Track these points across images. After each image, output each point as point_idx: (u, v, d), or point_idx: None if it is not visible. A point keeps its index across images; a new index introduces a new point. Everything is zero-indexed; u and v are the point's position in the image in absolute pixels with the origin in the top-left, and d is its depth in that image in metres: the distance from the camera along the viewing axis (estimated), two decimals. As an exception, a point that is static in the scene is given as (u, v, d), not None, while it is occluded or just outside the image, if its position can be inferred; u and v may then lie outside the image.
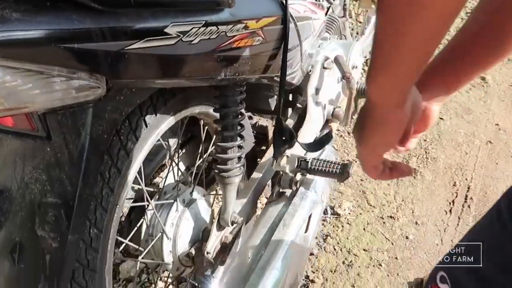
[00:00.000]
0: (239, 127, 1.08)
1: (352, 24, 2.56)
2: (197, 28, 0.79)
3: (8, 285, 0.79)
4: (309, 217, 1.21)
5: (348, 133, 2.07)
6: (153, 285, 1.42)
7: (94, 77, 0.70)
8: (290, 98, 1.54)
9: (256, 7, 0.94)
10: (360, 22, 2.56)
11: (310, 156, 1.25)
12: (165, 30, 0.74)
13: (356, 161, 1.95)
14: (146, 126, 0.94)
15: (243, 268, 1.04)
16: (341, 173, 1.19)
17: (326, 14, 1.76)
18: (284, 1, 1.00)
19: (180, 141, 1.18)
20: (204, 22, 0.80)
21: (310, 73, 1.45)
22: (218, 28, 0.83)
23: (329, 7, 1.75)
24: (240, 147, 1.09)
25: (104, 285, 0.93)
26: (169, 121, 1.01)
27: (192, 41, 0.79)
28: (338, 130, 2.09)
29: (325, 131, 1.53)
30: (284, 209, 1.18)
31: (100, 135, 0.78)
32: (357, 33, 2.47)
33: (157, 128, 0.98)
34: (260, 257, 1.04)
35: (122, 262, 1.45)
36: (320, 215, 1.27)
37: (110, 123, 0.79)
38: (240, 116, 1.07)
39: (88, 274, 0.88)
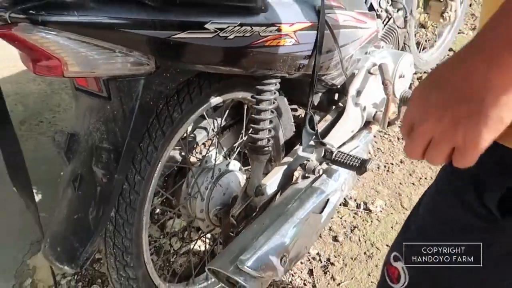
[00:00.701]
0: (270, 114, 1.26)
1: (426, 35, 2.63)
2: (233, 27, 0.99)
3: (69, 205, 1.05)
4: (327, 201, 1.37)
5: (398, 138, 2.17)
6: (190, 239, 1.65)
7: (145, 56, 0.92)
8: (336, 97, 1.69)
9: (291, 14, 1.12)
10: (435, 35, 2.62)
11: (334, 146, 1.41)
12: (205, 25, 0.95)
13: (398, 165, 2.05)
14: (192, 102, 1.16)
15: (258, 231, 1.23)
16: (360, 167, 1.34)
17: (385, 24, 1.88)
18: (319, 10, 1.17)
19: (223, 120, 1.40)
20: (239, 22, 1.00)
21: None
22: (252, 28, 1.03)
23: (389, 17, 1.87)
24: (269, 130, 1.28)
25: (141, 223, 1.17)
26: (213, 101, 1.22)
27: (227, 36, 0.99)
28: (388, 134, 2.19)
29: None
30: (304, 190, 1.35)
31: (147, 102, 1.00)
32: (428, 46, 2.53)
33: (201, 105, 1.19)
34: (273, 223, 1.23)
35: (170, 218, 1.70)
36: (338, 202, 1.42)
37: (156, 94, 1.02)
38: (272, 104, 1.26)
39: (129, 210, 1.12)
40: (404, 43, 2.16)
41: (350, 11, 1.40)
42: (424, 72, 2.49)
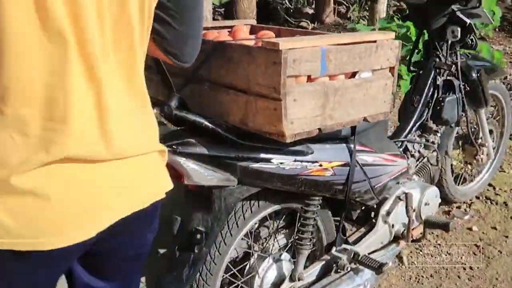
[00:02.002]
0: (313, 221, 1.78)
1: (470, 170, 3.04)
2: (289, 161, 1.56)
3: (172, 264, 1.60)
4: (351, 291, 1.81)
5: (431, 255, 2.55)
6: None
7: (233, 175, 1.51)
8: (372, 214, 2.18)
9: (330, 154, 1.68)
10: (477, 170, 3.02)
11: (363, 252, 1.87)
12: (271, 160, 1.53)
13: (428, 278, 2.42)
14: (259, 206, 1.71)
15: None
16: (378, 268, 1.79)
17: (420, 161, 2.37)
18: (351, 153, 1.73)
19: (281, 221, 1.93)
20: (294, 159, 1.57)
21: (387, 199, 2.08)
22: (301, 163, 1.59)
23: (423, 156, 2.36)
24: (312, 233, 1.79)
25: (216, 285, 1.68)
26: (274, 207, 1.76)
27: (285, 167, 1.56)
28: (422, 251, 2.58)
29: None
30: (334, 280, 1.81)
31: (230, 203, 1.57)
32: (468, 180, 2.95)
33: (266, 209, 1.74)
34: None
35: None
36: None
37: (236, 198, 1.58)
38: (315, 214, 1.78)
39: (209, 275, 1.65)
40: (441, 177, 2.63)
41: (380, 154, 1.93)
42: (464, 203, 2.90)
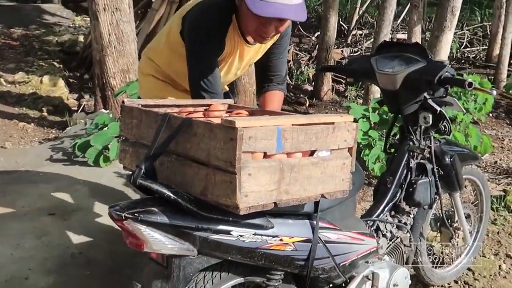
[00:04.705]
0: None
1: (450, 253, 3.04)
2: (249, 234, 1.61)
3: None
4: None
5: None
6: None
7: (192, 246, 1.55)
8: (341, 292, 2.17)
9: (292, 230, 1.72)
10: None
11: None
12: (231, 232, 1.57)
13: None
14: (221, 278, 1.73)
15: None
16: None
17: (393, 241, 2.39)
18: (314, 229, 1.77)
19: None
20: (254, 232, 1.61)
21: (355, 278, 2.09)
22: (261, 237, 1.63)
23: (396, 237, 2.39)
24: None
25: None
26: (237, 280, 1.77)
27: (244, 240, 1.60)
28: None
29: None
30: None
31: (184, 276, 1.58)
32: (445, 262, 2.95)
33: (228, 281, 1.75)
34: None
35: None
36: None
37: (196, 269, 1.61)
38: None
39: None
40: (416, 259, 2.63)
41: (346, 232, 1.97)
42: (441, 286, 2.88)
